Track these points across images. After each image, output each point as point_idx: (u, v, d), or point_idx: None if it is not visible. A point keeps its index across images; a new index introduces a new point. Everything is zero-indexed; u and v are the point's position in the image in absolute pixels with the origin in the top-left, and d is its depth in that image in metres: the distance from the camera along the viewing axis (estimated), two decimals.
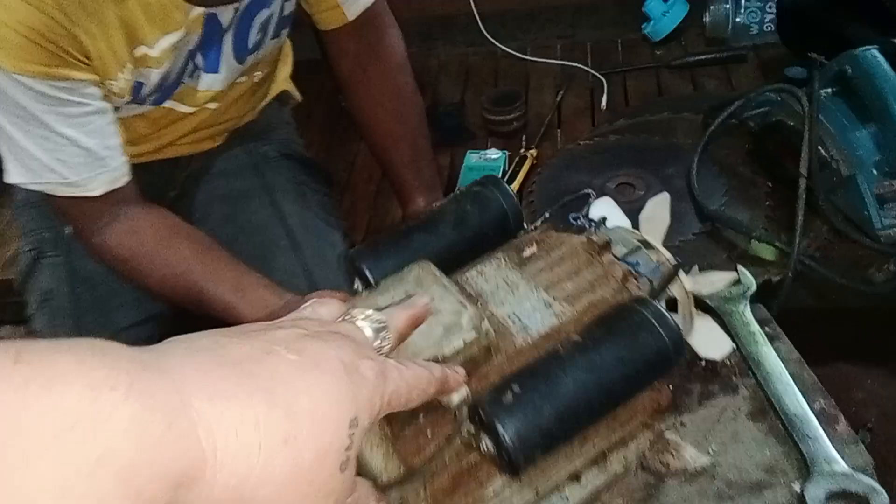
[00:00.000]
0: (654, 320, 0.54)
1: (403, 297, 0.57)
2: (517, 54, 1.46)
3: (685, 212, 1.04)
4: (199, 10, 0.82)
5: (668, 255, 0.66)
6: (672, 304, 0.73)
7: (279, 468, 0.33)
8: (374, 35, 0.99)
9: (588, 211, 0.71)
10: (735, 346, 0.82)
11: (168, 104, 0.92)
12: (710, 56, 1.36)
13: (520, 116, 1.27)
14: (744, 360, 0.81)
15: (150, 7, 0.78)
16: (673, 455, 0.70)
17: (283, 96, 1.16)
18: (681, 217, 1.02)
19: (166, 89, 0.89)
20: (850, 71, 0.97)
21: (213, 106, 0.97)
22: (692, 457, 0.69)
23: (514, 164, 1.17)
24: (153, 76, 0.85)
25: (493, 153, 1.18)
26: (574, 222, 0.67)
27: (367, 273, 0.63)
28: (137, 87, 0.85)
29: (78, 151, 0.80)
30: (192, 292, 0.83)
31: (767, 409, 0.77)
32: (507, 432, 0.50)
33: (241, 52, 0.93)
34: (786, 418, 0.74)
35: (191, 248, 0.86)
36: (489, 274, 0.64)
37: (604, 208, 0.72)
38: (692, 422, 0.76)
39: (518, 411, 0.50)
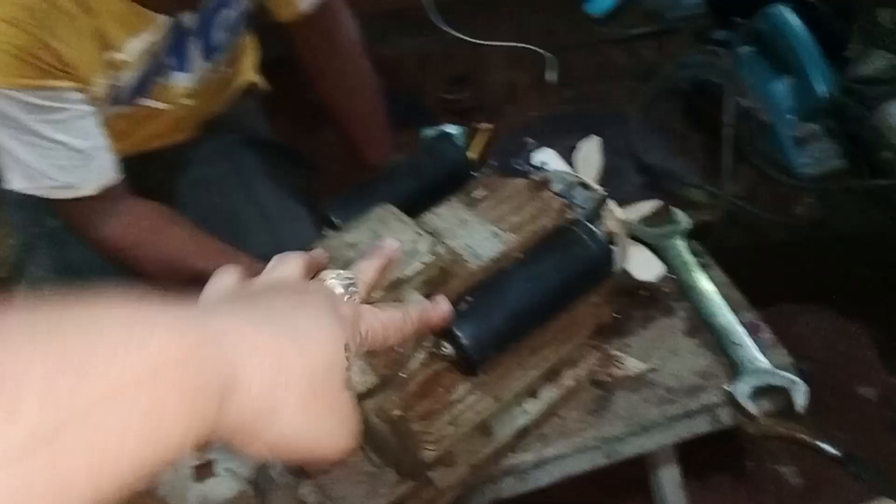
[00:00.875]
0: (583, 234, 0.63)
1: (369, 235, 0.65)
2: (468, 39, 1.55)
3: (626, 168, 1.14)
4: (163, 18, 0.90)
5: (599, 189, 0.75)
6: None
7: (298, 377, 0.36)
8: (328, 24, 1.08)
9: (528, 157, 0.80)
10: (670, 274, 0.91)
11: (145, 102, 0.99)
12: (647, 30, 1.46)
13: (472, 95, 1.36)
14: (679, 288, 0.91)
15: (118, 16, 0.86)
16: (616, 366, 0.79)
17: (251, 88, 1.23)
18: (622, 173, 1.12)
19: (140, 89, 0.96)
20: (764, 27, 1.08)
21: (189, 102, 1.04)
22: (633, 365, 0.78)
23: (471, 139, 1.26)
24: (126, 78, 0.92)
25: (451, 128, 1.27)
26: (517, 167, 0.76)
27: (335, 220, 0.71)
28: (113, 89, 0.92)
29: (69, 154, 0.87)
30: (189, 274, 0.91)
31: (701, 326, 0.87)
32: (463, 335, 0.59)
33: (208, 52, 1.00)
34: (716, 331, 0.84)
35: (183, 233, 0.95)
36: (443, 214, 0.72)
37: (544, 156, 0.81)
38: (636, 342, 0.86)
39: (472, 317, 0.59)
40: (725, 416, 0.81)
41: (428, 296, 0.62)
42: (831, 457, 1.16)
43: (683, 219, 1.00)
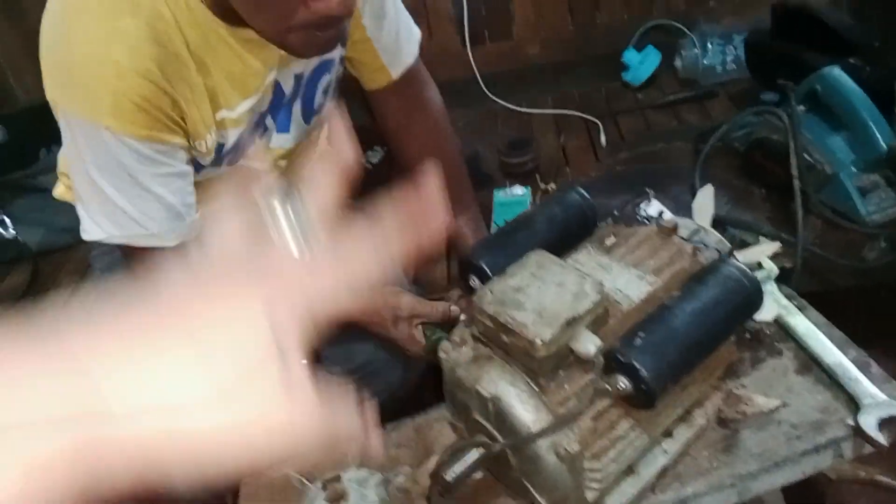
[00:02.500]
0: (735, 270, 0.67)
1: (530, 279, 0.69)
2: (516, 108, 1.63)
3: None
4: (271, 77, 0.95)
5: (718, 235, 0.81)
6: None
7: None
8: (416, 89, 1.13)
9: (637, 209, 0.85)
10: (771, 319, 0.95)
11: (242, 163, 1.03)
12: (687, 94, 1.56)
13: (533, 158, 1.43)
14: (781, 329, 0.95)
15: (232, 75, 0.91)
16: (747, 404, 0.82)
17: (323, 154, 1.29)
18: None
19: (241, 148, 1.00)
20: (819, 88, 1.16)
21: (283, 164, 1.08)
22: (763, 402, 0.81)
23: (537, 197, 1.32)
24: (231, 136, 0.96)
25: (518, 189, 1.33)
26: (639, 218, 0.81)
27: (485, 267, 0.75)
28: (219, 147, 0.97)
29: (161, 207, 0.90)
30: None
31: (811, 364, 0.90)
32: (643, 367, 0.62)
33: (308, 114, 1.06)
34: (828, 369, 0.88)
35: None
36: (583, 261, 0.76)
37: (655, 207, 0.87)
38: (750, 383, 0.89)
39: (648, 350, 0.62)
40: (848, 450, 0.84)
41: (595, 333, 0.66)
42: None
43: (770, 266, 1.05)
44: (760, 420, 0.85)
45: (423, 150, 1.14)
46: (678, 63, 1.61)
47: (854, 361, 0.88)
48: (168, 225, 0.91)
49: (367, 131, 1.64)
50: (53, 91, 0.83)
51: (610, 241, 0.80)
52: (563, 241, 0.79)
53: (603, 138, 1.49)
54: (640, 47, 1.64)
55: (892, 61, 1.22)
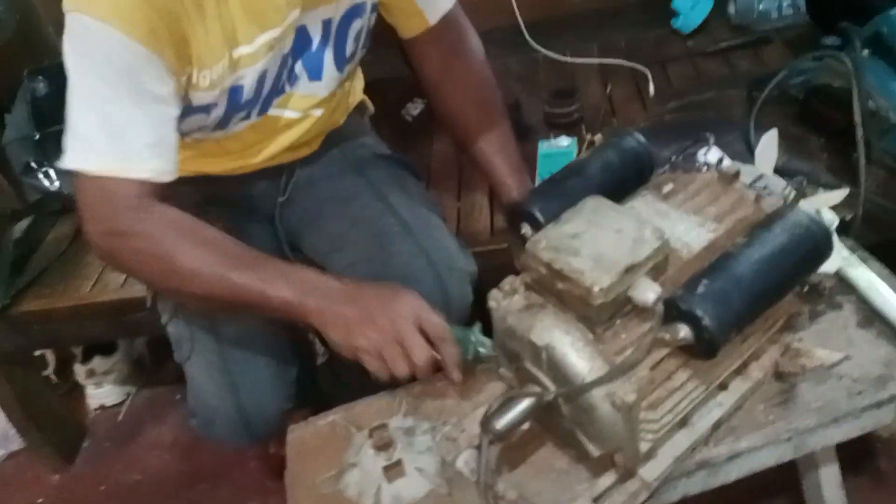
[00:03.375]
0: (804, 217, 0.64)
1: (587, 225, 0.66)
2: (559, 57, 1.58)
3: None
4: (293, 16, 0.91)
5: (783, 182, 0.77)
6: None
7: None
8: (455, 36, 1.09)
9: (702, 156, 0.81)
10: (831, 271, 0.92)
11: (274, 112, 1.01)
12: (741, 40, 1.49)
13: (578, 108, 1.38)
14: (841, 281, 0.91)
15: (250, 5, 0.86)
16: (806, 357, 0.79)
17: (361, 106, 1.26)
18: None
19: (267, 96, 0.97)
20: (886, 30, 1.10)
21: (318, 112, 1.06)
22: (825, 355, 0.78)
23: (583, 148, 1.28)
24: (249, 76, 0.91)
25: (563, 140, 1.30)
26: (697, 164, 0.78)
27: (538, 215, 0.73)
28: (234, 91, 0.91)
29: (143, 130, 0.82)
30: (216, 283, 0.83)
31: (873, 317, 0.87)
32: (706, 316, 0.59)
33: (340, 62, 1.03)
34: (892, 322, 0.84)
35: (220, 240, 0.86)
36: (640, 208, 0.74)
37: (714, 154, 0.83)
38: (809, 336, 0.86)
39: (711, 299, 0.60)
40: None
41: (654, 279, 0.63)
42: None
43: (831, 216, 1.01)
44: (819, 374, 0.82)
45: (464, 100, 1.10)
46: (731, 9, 1.54)
47: None
48: (144, 154, 0.83)
49: (407, 83, 1.62)
50: None
51: (668, 188, 0.77)
52: (619, 188, 0.76)
53: (651, 87, 1.44)
54: None
55: None
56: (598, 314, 0.63)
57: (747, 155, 1.18)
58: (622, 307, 0.65)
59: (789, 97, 1.26)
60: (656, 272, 0.65)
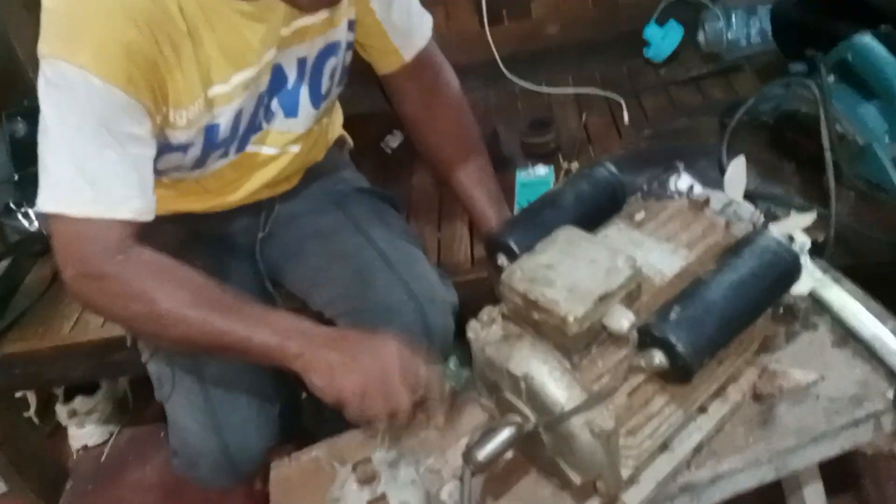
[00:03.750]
0: (772, 242, 0.66)
1: (561, 256, 0.68)
2: (536, 88, 1.61)
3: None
4: (269, 56, 0.93)
5: (751, 207, 0.79)
6: None
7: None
8: (431, 73, 1.11)
9: (667, 183, 0.83)
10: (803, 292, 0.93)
11: (252, 149, 1.02)
12: (712, 69, 1.53)
13: (555, 138, 1.41)
14: (815, 303, 0.93)
15: (226, 47, 0.88)
16: (783, 379, 0.80)
17: (340, 140, 1.28)
18: None
19: (244, 134, 0.98)
20: (850, 57, 1.13)
21: (295, 149, 1.07)
22: (801, 375, 0.79)
23: (560, 177, 1.30)
24: (225, 114, 0.92)
25: (541, 169, 1.32)
26: (669, 192, 0.79)
27: (513, 245, 0.74)
28: (210, 130, 0.92)
29: (122, 173, 0.82)
30: (215, 310, 0.83)
31: (847, 337, 0.89)
32: (679, 342, 0.60)
33: (316, 99, 1.04)
34: (866, 341, 0.86)
35: (198, 284, 0.85)
36: (614, 236, 0.75)
37: (685, 181, 0.85)
38: (786, 357, 0.87)
39: (685, 325, 0.61)
40: (888, 424, 0.82)
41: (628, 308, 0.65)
42: None
43: (803, 237, 1.03)
44: (797, 395, 0.83)
45: (442, 135, 1.12)
46: (701, 37, 1.58)
47: (894, 332, 0.86)
48: (123, 193, 0.82)
49: (386, 116, 1.64)
50: (42, 42, 0.80)
51: (640, 216, 0.78)
52: (592, 218, 0.78)
53: (626, 116, 1.47)
54: (662, 22, 1.60)
55: None
56: (574, 343, 0.64)
57: (720, 180, 1.21)
58: (598, 335, 0.66)
59: (760, 123, 1.29)
60: (630, 300, 0.66)
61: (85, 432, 1.68)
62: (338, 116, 1.26)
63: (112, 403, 1.71)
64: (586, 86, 1.59)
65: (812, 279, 0.84)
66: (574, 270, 0.66)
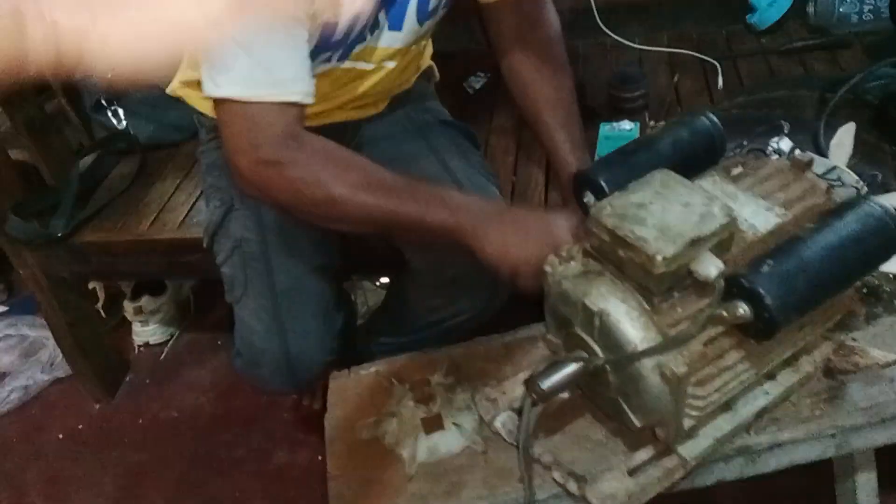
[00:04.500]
0: (878, 208, 0.63)
1: (654, 196, 0.66)
2: (629, 43, 1.57)
3: None
4: None
5: (855, 175, 0.76)
6: None
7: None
8: (533, 7, 1.09)
9: (775, 144, 0.80)
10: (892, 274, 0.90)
11: (348, 64, 1.02)
12: (818, 41, 1.46)
13: (644, 94, 1.37)
14: None
15: None
16: (860, 355, 0.78)
17: (429, 72, 1.27)
18: None
19: (351, 42, 0.97)
20: None
21: (391, 65, 1.06)
22: (879, 355, 0.77)
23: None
24: (346, 15, 0.88)
25: (626, 124, 1.29)
26: (769, 151, 0.77)
27: (604, 184, 0.73)
28: (327, 28, 0.89)
29: (290, 55, 0.82)
30: (366, 210, 0.84)
31: None
32: (769, 295, 0.59)
33: (422, 15, 1.03)
34: None
35: (371, 169, 0.86)
36: (708, 187, 0.73)
37: (787, 143, 0.82)
38: (862, 338, 0.85)
39: (776, 279, 0.60)
40: None
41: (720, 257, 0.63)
42: None
43: None
44: (871, 375, 0.81)
45: (535, 70, 1.09)
46: (810, 8, 1.50)
47: None
48: (295, 73, 0.82)
49: (471, 56, 1.62)
50: None
51: (737, 170, 0.76)
52: (689, 166, 0.76)
53: (720, 80, 1.42)
54: None
55: None
56: (658, 284, 0.63)
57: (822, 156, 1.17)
58: (682, 280, 0.65)
59: (864, 102, 1.23)
60: (720, 249, 0.65)
61: (148, 330, 1.75)
62: (429, 46, 1.25)
63: (175, 306, 1.78)
64: (681, 46, 1.54)
65: None
66: (667, 212, 0.64)
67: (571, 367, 0.69)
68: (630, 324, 0.65)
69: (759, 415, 0.77)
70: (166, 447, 1.49)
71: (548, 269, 0.74)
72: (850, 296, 0.74)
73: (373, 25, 0.99)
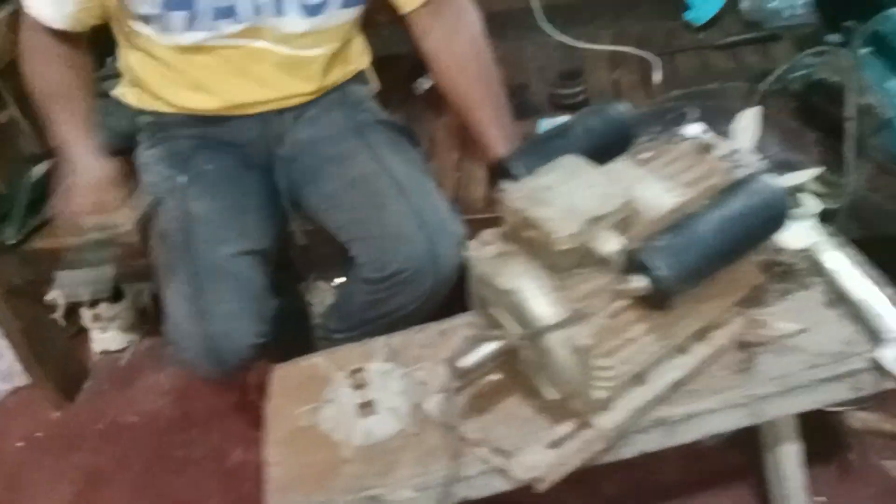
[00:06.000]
0: (765, 185, 0.67)
1: (562, 179, 0.70)
2: (571, 42, 1.61)
3: None
4: None
5: (756, 156, 0.80)
6: None
7: None
8: (453, 11, 1.14)
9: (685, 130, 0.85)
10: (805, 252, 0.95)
11: (235, 42, 1.10)
12: (750, 36, 1.51)
13: (584, 90, 1.41)
14: (815, 265, 0.94)
15: None
16: (767, 328, 0.83)
17: (362, 76, 1.30)
18: None
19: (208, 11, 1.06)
20: (883, 29, 1.12)
21: (285, 50, 1.13)
22: (783, 326, 0.81)
23: None
24: None
25: (563, 119, 1.33)
26: (679, 134, 0.81)
27: (518, 171, 0.76)
28: None
29: None
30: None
31: (840, 299, 0.90)
32: (661, 267, 0.63)
33: (310, 9, 1.10)
34: (856, 303, 0.87)
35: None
36: (617, 170, 0.77)
37: (696, 128, 0.86)
38: (776, 313, 0.90)
39: (667, 251, 0.64)
40: (867, 383, 0.84)
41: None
42: None
43: (812, 203, 1.04)
44: (781, 347, 0.85)
45: (460, 73, 1.16)
46: (744, 4, 1.56)
47: (890, 298, 0.88)
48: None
49: (417, 58, 1.65)
50: None
51: (647, 154, 0.80)
52: (600, 153, 0.80)
53: (657, 75, 1.46)
54: None
55: None
56: (562, 262, 0.67)
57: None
58: (586, 258, 0.69)
59: (790, 91, 1.28)
60: (622, 228, 0.69)
61: (107, 337, 1.76)
62: (357, 48, 1.27)
63: (134, 313, 1.78)
64: (623, 44, 1.59)
65: (810, 235, 0.86)
66: (571, 194, 0.68)
67: (488, 346, 0.73)
68: (539, 300, 0.69)
69: (674, 387, 0.81)
70: (125, 450, 1.50)
71: (469, 252, 0.78)
72: (754, 271, 0.78)
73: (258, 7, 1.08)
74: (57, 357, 1.62)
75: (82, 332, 1.77)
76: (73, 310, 1.79)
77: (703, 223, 0.65)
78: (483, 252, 0.75)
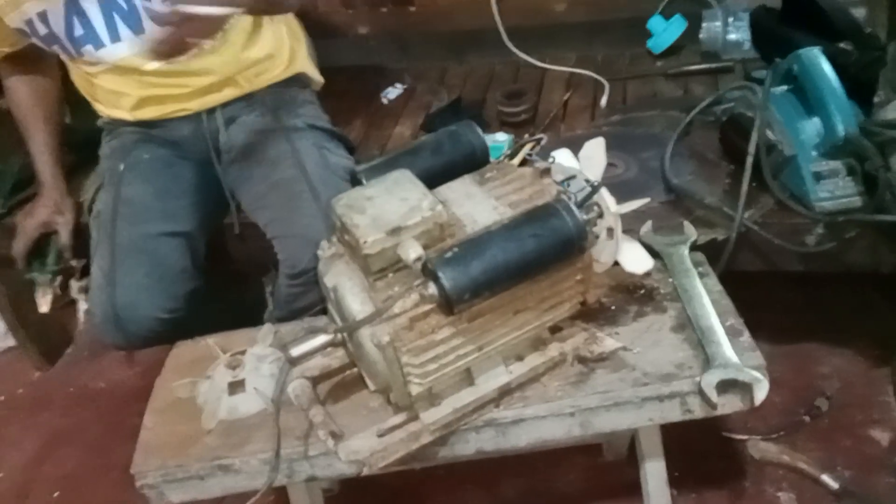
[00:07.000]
0: (562, 210, 0.73)
1: (384, 191, 0.78)
2: (535, 62, 1.67)
3: (656, 186, 1.23)
4: None
5: (587, 184, 0.85)
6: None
7: None
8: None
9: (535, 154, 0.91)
10: (670, 278, 1.00)
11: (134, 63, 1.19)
12: (700, 67, 1.54)
13: (528, 109, 1.47)
14: (675, 290, 0.99)
15: None
16: (597, 344, 0.88)
17: (300, 79, 1.38)
18: (651, 190, 1.21)
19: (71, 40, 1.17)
20: (795, 68, 1.15)
21: (154, 65, 1.20)
22: (610, 343, 0.87)
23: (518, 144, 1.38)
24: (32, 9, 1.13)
25: (500, 136, 1.39)
26: (527, 159, 0.87)
27: (361, 178, 0.84)
28: (30, 23, 1.15)
29: None
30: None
31: (687, 324, 0.95)
32: (444, 276, 0.70)
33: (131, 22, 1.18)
34: (699, 330, 0.92)
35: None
36: (455, 188, 0.84)
37: (563, 157, 0.92)
38: (625, 331, 0.95)
39: (453, 262, 0.70)
40: (696, 406, 0.89)
41: (425, 247, 0.74)
42: (829, 489, 1.19)
43: (691, 231, 1.08)
44: (617, 364, 0.90)
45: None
46: (702, 34, 1.59)
47: (728, 328, 0.92)
48: None
49: (387, 70, 1.75)
50: None
51: (489, 174, 0.87)
52: (447, 171, 0.87)
53: (604, 99, 1.51)
54: (668, 14, 1.62)
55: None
56: (371, 264, 0.74)
57: (658, 170, 1.26)
58: (396, 263, 0.76)
59: (714, 123, 1.32)
60: (430, 238, 0.76)
61: None
62: (290, 53, 1.35)
63: None
64: (585, 67, 1.64)
65: (649, 261, 0.90)
66: (386, 204, 0.76)
67: (318, 337, 0.81)
68: (353, 298, 0.76)
69: (505, 392, 0.87)
70: (88, 414, 1.64)
71: (319, 252, 0.86)
72: (574, 289, 0.84)
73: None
74: (42, 324, 1.77)
75: (73, 304, 1.93)
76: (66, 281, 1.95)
77: (493, 240, 0.72)
78: (324, 253, 0.83)
